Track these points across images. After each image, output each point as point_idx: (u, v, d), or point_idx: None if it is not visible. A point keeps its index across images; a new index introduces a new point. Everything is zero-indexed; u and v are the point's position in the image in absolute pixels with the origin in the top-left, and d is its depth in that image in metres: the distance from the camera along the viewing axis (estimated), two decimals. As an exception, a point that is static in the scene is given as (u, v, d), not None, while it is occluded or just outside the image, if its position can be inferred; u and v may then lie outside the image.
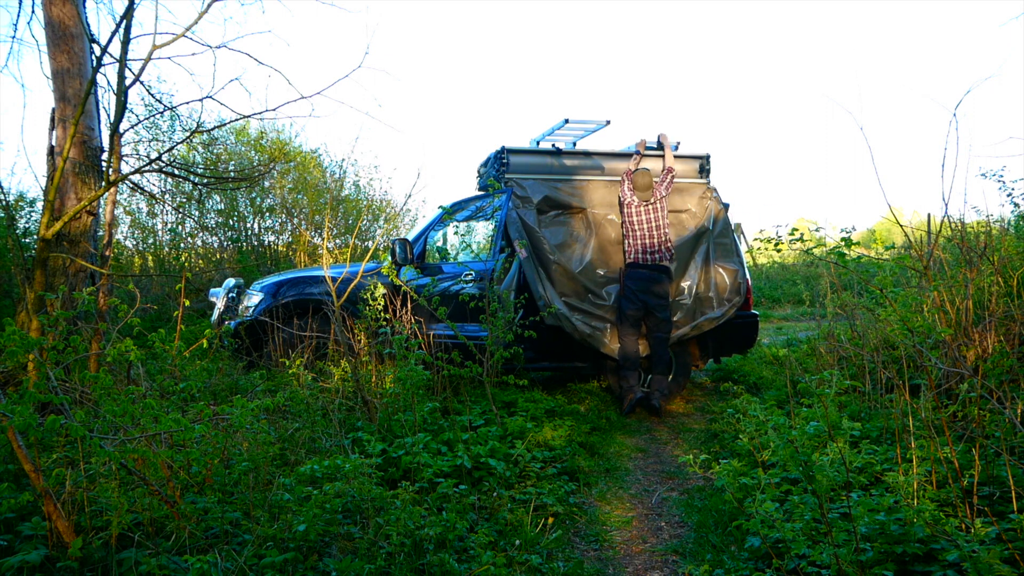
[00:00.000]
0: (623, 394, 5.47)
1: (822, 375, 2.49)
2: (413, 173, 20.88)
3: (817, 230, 3.78)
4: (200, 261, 10.80)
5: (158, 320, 8.10)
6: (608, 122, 5.91)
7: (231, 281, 6.32)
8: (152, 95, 6.41)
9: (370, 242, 11.61)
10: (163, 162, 4.96)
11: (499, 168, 5.79)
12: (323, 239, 11.14)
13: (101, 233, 4.77)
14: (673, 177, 5.66)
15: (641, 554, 3.03)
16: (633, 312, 5.39)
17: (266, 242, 11.56)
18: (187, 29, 3.89)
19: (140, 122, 7.82)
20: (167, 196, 10.48)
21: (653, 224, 5.49)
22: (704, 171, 6.00)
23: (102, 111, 4.74)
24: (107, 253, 4.16)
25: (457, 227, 6.18)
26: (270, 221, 11.74)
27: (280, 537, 2.43)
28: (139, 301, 3.78)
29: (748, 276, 5.86)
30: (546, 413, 4.92)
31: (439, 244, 6.26)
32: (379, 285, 5.13)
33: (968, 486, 2.53)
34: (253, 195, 11.07)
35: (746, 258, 5.85)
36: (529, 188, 5.60)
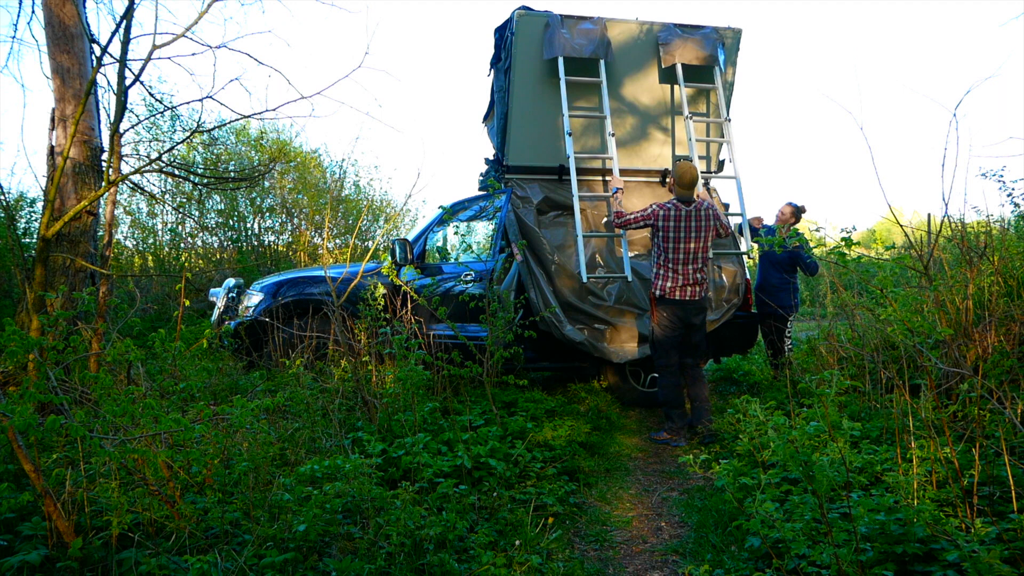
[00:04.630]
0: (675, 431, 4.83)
1: (822, 375, 2.49)
2: (413, 173, 20.89)
3: (817, 230, 3.78)
4: (200, 261, 10.80)
5: (158, 320, 8.11)
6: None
7: (231, 281, 6.32)
8: (152, 95, 6.41)
9: (370, 242, 11.61)
10: (163, 162, 4.95)
11: (500, 168, 5.79)
12: (323, 239, 11.14)
13: (101, 233, 4.77)
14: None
15: (641, 554, 3.03)
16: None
17: (266, 242, 11.57)
18: (187, 29, 3.89)
19: (140, 122, 7.83)
20: (167, 196, 10.48)
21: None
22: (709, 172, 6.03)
23: (102, 111, 4.75)
24: (107, 253, 4.16)
25: (457, 227, 6.17)
26: (270, 221, 11.75)
27: (280, 537, 2.42)
28: (139, 301, 3.78)
29: (748, 276, 5.86)
30: (546, 413, 4.91)
31: (439, 244, 6.26)
32: (379, 285, 5.13)
33: (968, 486, 2.53)
34: (253, 195, 11.08)
35: (745, 258, 5.85)
36: (529, 188, 5.60)
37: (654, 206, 4.72)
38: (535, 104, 5.46)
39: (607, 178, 5.77)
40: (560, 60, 5.29)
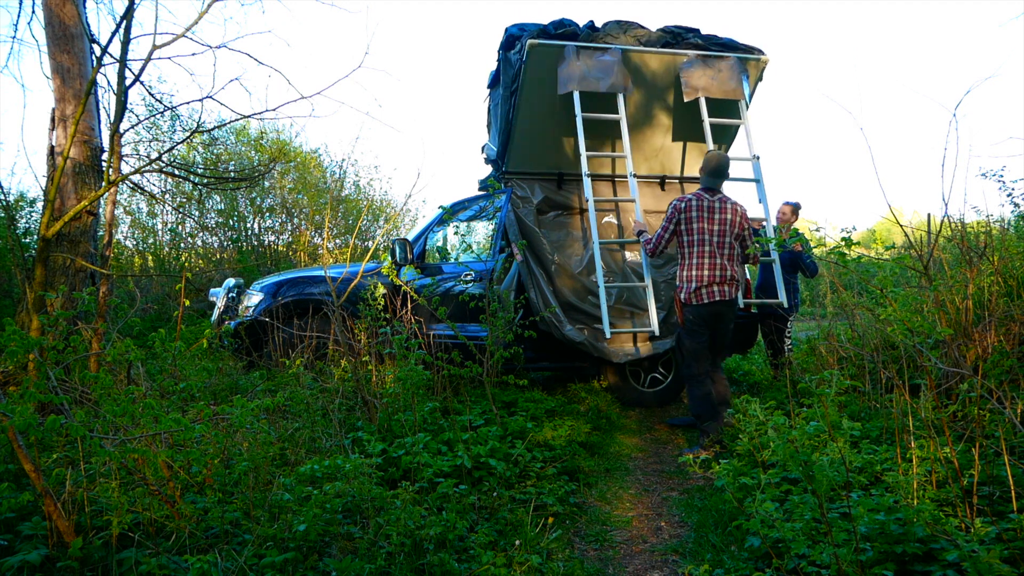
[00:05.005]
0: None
1: (822, 375, 2.49)
2: (413, 173, 20.95)
3: (817, 230, 3.78)
4: (200, 261, 10.80)
5: (158, 320, 8.11)
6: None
7: (231, 281, 6.32)
8: (152, 95, 6.41)
9: (370, 242, 11.61)
10: (163, 162, 4.95)
11: (499, 169, 5.79)
12: (323, 239, 11.15)
13: (101, 233, 4.77)
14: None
15: (641, 554, 3.03)
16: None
17: (266, 242, 11.57)
18: (187, 29, 3.89)
19: (140, 122, 7.84)
20: (167, 196, 10.49)
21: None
22: None
23: (102, 111, 4.74)
24: (107, 253, 4.16)
25: (457, 227, 6.17)
26: (270, 221, 11.76)
27: (280, 537, 2.42)
28: (139, 301, 3.78)
29: (748, 276, 5.86)
30: (546, 413, 4.92)
31: (439, 244, 6.26)
32: (379, 285, 5.14)
33: (968, 486, 2.53)
34: (253, 195, 11.09)
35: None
36: (529, 188, 5.60)
37: (674, 202, 4.40)
38: (541, 123, 5.30)
39: (617, 179, 5.74)
40: (576, 94, 5.05)
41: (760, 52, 5.54)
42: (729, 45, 5.53)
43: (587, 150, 5.18)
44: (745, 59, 5.47)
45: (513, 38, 5.34)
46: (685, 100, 5.28)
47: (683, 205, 4.36)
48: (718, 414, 4.39)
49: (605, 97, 5.28)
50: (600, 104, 5.29)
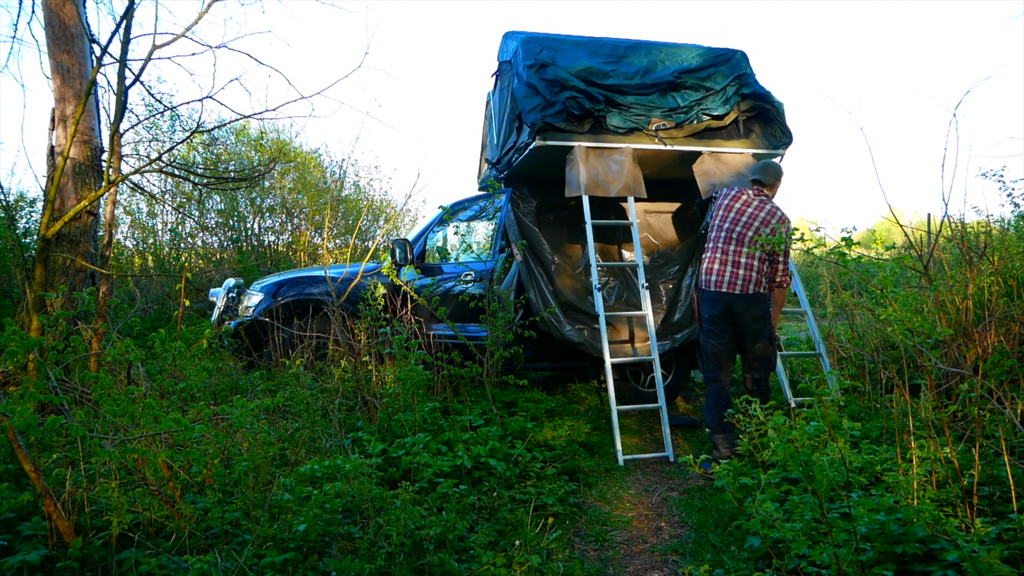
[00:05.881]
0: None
1: (822, 375, 2.49)
2: (413, 173, 20.98)
3: (817, 230, 3.78)
4: (200, 261, 10.80)
5: (158, 320, 8.11)
6: None
7: (231, 281, 6.32)
8: (152, 95, 6.42)
9: (370, 242, 11.61)
10: (163, 162, 4.95)
11: (499, 171, 5.79)
12: (323, 239, 11.15)
13: (101, 233, 4.77)
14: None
15: (641, 554, 3.03)
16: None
17: (266, 242, 11.57)
18: (187, 29, 3.89)
19: (140, 122, 7.84)
20: (167, 196, 10.49)
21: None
22: None
23: (102, 111, 4.74)
24: (107, 253, 4.16)
25: (457, 227, 6.17)
26: (270, 221, 11.76)
27: (280, 537, 2.42)
28: (139, 301, 3.78)
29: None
30: (546, 413, 4.91)
31: (439, 244, 6.25)
32: (379, 285, 5.14)
33: (968, 486, 2.53)
34: (253, 195, 11.09)
35: None
36: (529, 188, 5.60)
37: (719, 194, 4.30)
38: (544, 161, 5.24)
39: (622, 204, 5.65)
40: (585, 199, 4.89)
41: (786, 142, 5.31)
42: (770, 115, 5.31)
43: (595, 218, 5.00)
44: (763, 156, 5.28)
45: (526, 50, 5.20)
46: (703, 197, 5.13)
47: (724, 191, 4.25)
48: (731, 427, 3.93)
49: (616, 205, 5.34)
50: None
